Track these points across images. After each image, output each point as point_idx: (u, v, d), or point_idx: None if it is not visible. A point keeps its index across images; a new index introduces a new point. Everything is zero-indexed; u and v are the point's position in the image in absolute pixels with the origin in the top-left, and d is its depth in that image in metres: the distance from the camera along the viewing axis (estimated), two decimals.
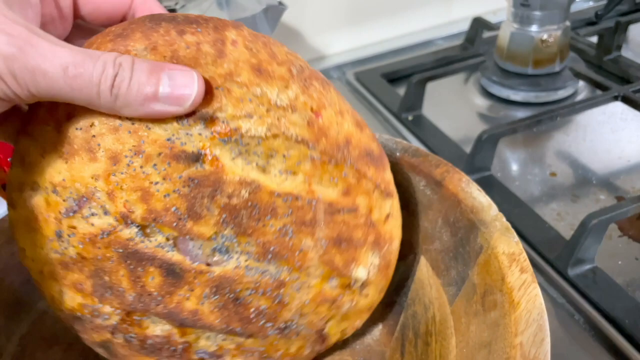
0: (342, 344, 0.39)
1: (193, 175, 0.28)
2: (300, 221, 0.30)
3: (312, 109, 0.30)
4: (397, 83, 0.77)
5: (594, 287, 0.43)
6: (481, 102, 0.71)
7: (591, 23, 0.83)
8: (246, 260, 0.30)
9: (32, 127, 0.28)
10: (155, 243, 0.28)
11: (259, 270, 0.30)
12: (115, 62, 0.24)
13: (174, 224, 0.28)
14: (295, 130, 0.29)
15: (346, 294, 0.33)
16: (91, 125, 0.27)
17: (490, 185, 0.54)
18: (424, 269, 0.38)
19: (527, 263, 0.31)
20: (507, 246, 0.32)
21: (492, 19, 0.86)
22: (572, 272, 0.44)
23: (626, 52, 0.73)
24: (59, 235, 0.28)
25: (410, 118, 0.66)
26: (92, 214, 0.28)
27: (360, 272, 0.33)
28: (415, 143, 0.64)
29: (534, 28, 0.66)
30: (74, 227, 0.28)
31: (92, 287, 0.29)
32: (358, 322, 0.36)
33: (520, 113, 0.67)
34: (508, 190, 0.53)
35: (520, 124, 0.55)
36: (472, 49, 0.79)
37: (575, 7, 0.67)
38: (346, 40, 0.86)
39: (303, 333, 0.33)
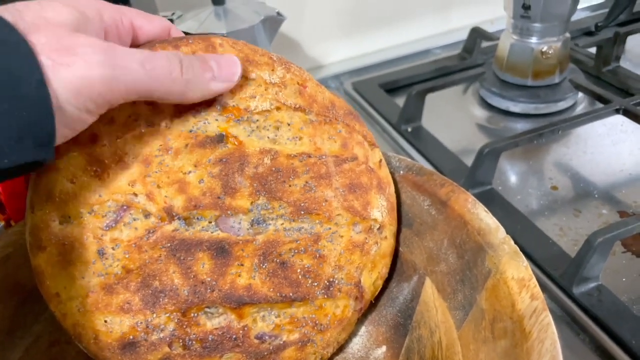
0: None
1: (220, 156, 0.32)
2: (317, 175, 0.35)
3: (298, 83, 0.36)
4: (395, 93, 0.76)
5: (599, 305, 0.42)
6: (480, 113, 0.71)
7: (589, 33, 0.83)
8: (282, 223, 0.33)
9: (56, 161, 0.29)
10: (199, 228, 0.32)
11: (295, 228, 0.34)
12: (174, 55, 0.29)
13: (214, 204, 0.32)
14: (291, 99, 0.35)
15: (370, 237, 0.36)
16: (117, 139, 0.30)
17: (491, 199, 0.54)
18: (429, 290, 0.37)
19: (538, 289, 0.30)
20: (516, 271, 0.32)
21: (490, 28, 0.85)
22: (577, 290, 0.43)
23: (624, 63, 0.73)
24: (102, 254, 0.30)
25: (409, 130, 0.66)
26: (134, 219, 0.31)
27: (376, 214, 0.36)
28: (414, 155, 0.63)
29: (533, 40, 0.65)
30: (118, 239, 0.30)
31: (142, 300, 0.30)
32: (384, 270, 0.37)
33: (520, 125, 0.67)
34: (510, 204, 0.53)
35: (522, 137, 0.54)
36: (470, 59, 0.79)
37: (572, 18, 0.66)
38: (344, 50, 0.85)
39: (344, 288, 0.35)
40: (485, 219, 0.35)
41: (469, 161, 0.60)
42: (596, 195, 0.55)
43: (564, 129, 0.56)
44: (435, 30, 0.90)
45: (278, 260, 0.33)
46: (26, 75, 0.23)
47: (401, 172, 0.40)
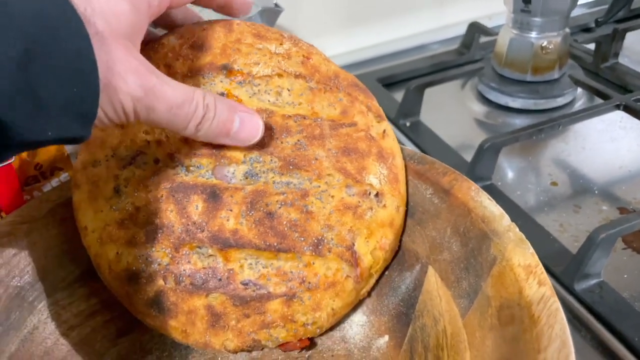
0: (347, 357, 0.37)
1: None
2: (310, 135, 0.37)
3: (303, 56, 0.39)
4: (393, 88, 0.76)
5: (600, 302, 0.42)
6: (479, 109, 0.70)
7: (587, 29, 0.83)
8: (272, 177, 0.36)
9: None
10: (197, 174, 0.36)
11: (284, 182, 0.36)
12: (204, 104, 0.32)
13: (211, 154, 0.36)
14: (293, 68, 0.38)
15: (364, 201, 0.36)
16: None
17: (491, 194, 0.52)
18: (432, 279, 0.37)
19: (545, 276, 0.30)
20: (522, 258, 0.31)
21: (488, 23, 0.85)
22: (578, 287, 0.43)
23: (623, 60, 0.73)
24: (117, 190, 0.36)
25: (407, 124, 0.65)
26: (145, 162, 0.36)
27: (372, 179, 0.37)
28: (413, 150, 0.62)
29: (533, 34, 0.65)
30: (129, 178, 0.36)
31: (145, 235, 0.35)
32: (384, 241, 0.36)
33: (519, 120, 0.67)
34: (510, 200, 0.52)
35: (522, 132, 0.54)
36: (468, 54, 0.79)
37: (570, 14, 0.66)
38: (341, 43, 0.85)
39: (335, 250, 0.35)
40: (489, 206, 0.35)
41: (468, 156, 0.59)
42: (596, 192, 0.55)
43: (564, 125, 0.56)
44: (433, 25, 0.89)
45: (265, 210, 0.35)
46: (85, 55, 0.26)
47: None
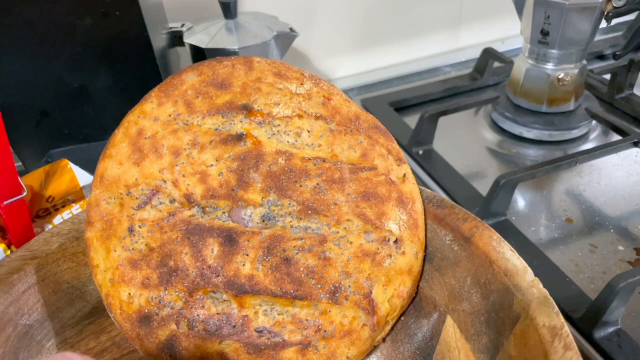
0: None
1: (239, 152, 0.36)
2: (330, 179, 0.36)
3: (324, 96, 0.38)
4: (404, 112, 0.75)
5: (619, 351, 0.41)
6: (492, 137, 0.70)
7: (601, 57, 0.82)
8: (290, 221, 0.35)
9: (111, 150, 0.36)
10: (213, 216, 0.35)
11: (302, 227, 0.35)
12: None
13: (228, 195, 0.35)
14: (314, 109, 0.37)
15: (383, 248, 0.35)
16: (157, 133, 0.36)
17: (506, 231, 0.52)
18: (450, 330, 0.36)
19: (571, 339, 0.29)
20: (547, 318, 0.30)
21: (500, 47, 0.85)
22: (597, 334, 0.42)
23: (638, 91, 0.72)
24: (131, 230, 0.35)
25: (420, 152, 0.65)
26: (160, 203, 0.35)
27: (392, 225, 0.36)
28: (426, 179, 0.62)
29: (550, 66, 0.64)
30: (144, 219, 0.35)
31: (158, 277, 0.34)
32: (402, 289, 0.36)
33: (532, 151, 0.66)
34: (524, 237, 0.52)
35: (540, 169, 0.53)
36: (481, 80, 0.78)
37: None
38: (353, 65, 0.84)
39: (352, 297, 0.34)
40: (511, 259, 0.34)
41: (480, 188, 0.59)
42: (612, 230, 0.54)
43: (581, 161, 0.55)
44: (445, 48, 0.89)
45: (282, 256, 0.34)
46: None
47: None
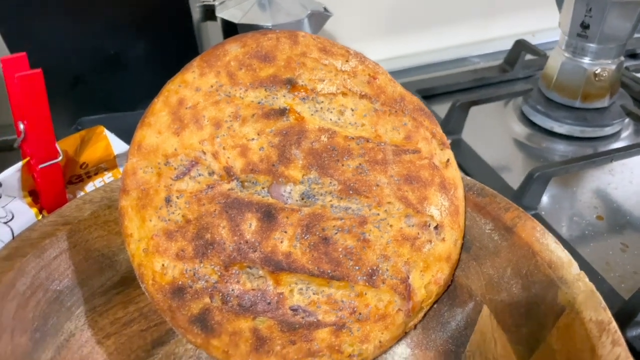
0: None
1: (281, 127, 0.35)
2: (372, 160, 0.35)
3: (370, 75, 0.37)
4: (432, 100, 0.74)
5: None
6: (521, 130, 0.68)
7: (633, 55, 0.81)
8: (330, 200, 0.35)
9: (150, 118, 0.35)
10: (252, 191, 0.34)
11: (342, 207, 0.35)
12: None
13: (268, 170, 0.34)
14: (359, 87, 0.37)
15: (424, 233, 0.35)
16: (198, 104, 0.35)
17: None
18: (487, 320, 0.35)
19: (619, 335, 0.28)
20: (594, 312, 0.29)
21: (532, 40, 0.83)
22: (630, 333, 0.41)
23: None
24: (168, 201, 0.34)
25: (449, 142, 0.63)
26: (199, 174, 0.34)
27: (433, 210, 0.35)
28: None
29: (587, 60, 0.63)
30: (182, 190, 0.34)
31: (194, 250, 0.33)
32: (439, 275, 0.35)
33: (563, 147, 0.65)
34: (557, 234, 0.51)
35: (574, 164, 0.52)
36: (511, 72, 0.77)
37: None
38: (382, 50, 0.83)
39: (389, 282, 0.34)
40: (556, 251, 0.33)
41: (509, 180, 0.58)
42: None
43: (617, 159, 0.54)
44: (476, 38, 0.87)
45: (320, 235, 0.34)
46: None
47: None
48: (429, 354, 0.37)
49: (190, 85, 0.36)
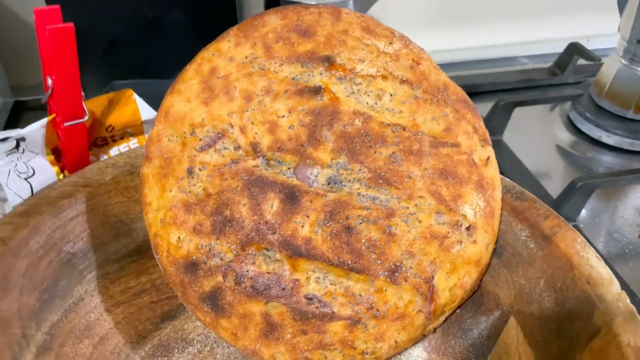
0: None
1: (314, 107, 0.33)
2: (407, 150, 0.33)
3: (413, 60, 0.35)
4: (474, 98, 0.71)
5: None
6: (566, 137, 0.65)
7: None
8: (358, 188, 0.33)
9: (180, 85, 0.33)
10: (278, 170, 0.33)
11: (370, 196, 0.33)
12: None
13: (296, 150, 0.33)
14: (400, 71, 0.35)
15: (454, 233, 0.33)
16: (230, 74, 0.33)
17: None
18: (512, 332, 0.33)
19: None
20: (633, 337, 0.27)
21: (585, 45, 0.79)
22: None
23: None
24: (190, 172, 0.33)
25: None
26: (225, 148, 0.33)
27: (467, 210, 0.33)
28: None
29: None
30: (206, 162, 0.33)
31: (212, 225, 0.32)
32: (467, 279, 0.33)
33: (609, 158, 0.61)
34: (595, 248, 0.48)
35: (621, 177, 0.49)
36: (561, 76, 0.73)
37: None
38: (427, 41, 0.79)
39: (412, 280, 0.32)
40: (597, 266, 0.31)
41: (549, 188, 0.55)
42: None
43: None
44: (527, 38, 0.84)
45: (344, 223, 0.32)
46: None
47: None
48: None
49: (225, 54, 0.34)
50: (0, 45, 0.63)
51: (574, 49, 0.73)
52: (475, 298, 0.36)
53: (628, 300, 0.29)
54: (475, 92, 0.72)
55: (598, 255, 0.31)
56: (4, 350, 0.30)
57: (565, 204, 0.49)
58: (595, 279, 0.30)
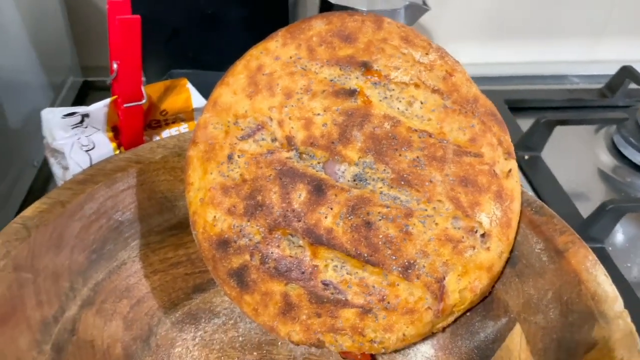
0: None
1: (348, 108, 0.36)
2: (431, 156, 0.35)
3: (446, 71, 0.37)
4: (519, 113, 0.72)
5: None
6: (607, 160, 0.65)
7: None
8: (381, 187, 0.35)
9: (229, 78, 0.37)
10: (308, 164, 0.36)
11: (391, 196, 0.35)
12: None
13: (327, 147, 0.35)
14: (433, 81, 0.37)
15: (469, 238, 0.34)
16: (274, 72, 0.36)
17: (600, 259, 0.49)
18: (516, 338, 0.34)
19: None
20: (627, 353, 0.28)
21: (638, 69, 0.78)
22: None
23: None
24: (230, 158, 0.36)
25: (526, 157, 0.61)
26: (263, 139, 0.36)
27: (483, 218, 0.35)
28: (525, 186, 0.59)
29: None
30: (245, 150, 0.36)
31: (244, 208, 0.35)
32: (477, 283, 0.35)
33: None
34: (618, 271, 0.48)
35: None
36: (611, 99, 0.72)
37: None
38: (476, 53, 0.81)
39: (424, 278, 0.34)
40: (603, 284, 0.32)
41: (582, 209, 0.55)
42: None
43: None
44: (578, 57, 0.83)
45: (364, 218, 0.34)
46: None
47: None
48: (451, 359, 0.37)
49: (272, 53, 0.37)
50: (75, 28, 0.69)
51: (627, 73, 0.72)
52: (486, 303, 0.37)
53: (629, 319, 0.30)
54: (520, 107, 0.72)
55: (606, 274, 0.32)
56: (53, 298, 0.34)
57: (595, 225, 0.50)
58: (600, 296, 0.31)
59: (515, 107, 0.72)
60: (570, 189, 0.59)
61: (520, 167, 0.61)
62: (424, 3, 0.62)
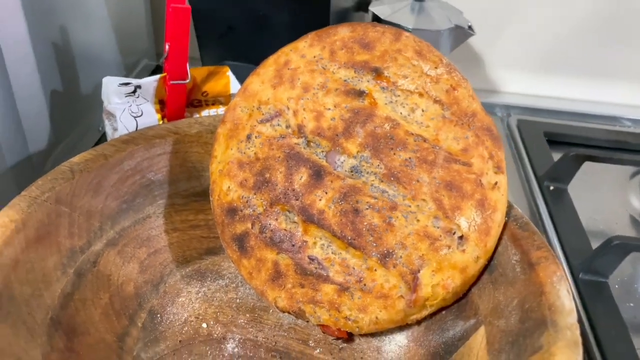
0: None
1: (355, 106, 0.40)
2: (422, 158, 0.39)
3: (451, 85, 0.40)
4: (557, 146, 0.72)
5: None
6: (637, 205, 0.64)
7: None
8: (373, 180, 0.39)
9: (260, 69, 0.43)
10: (313, 151, 0.40)
11: (380, 189, 0.38)
12: None
13: (331, 138, 0.40)
14: (436, 92, 0.40)
15: (446, 237, 0.37)
16: (298, 68, 0.42)
17: (600, 293, 0.50)
18: (479, 338, 0.37)
19: None
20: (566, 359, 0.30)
21: None
22: None
23: None
24: (249, 137, 0.41)
25: (551, 188, 0.62)
26: (278, 124, 0.41)
27: (462, 222, 0.37)
28: (544, 215, 0.60)
29: None
30: (261, 132, 0.41)
31: (254, 182, 0.40)
32: (449, 281, 0.37)
33: None
34: (616, 309, 0.48)
35: None
36: None
37: None
38: (524, 82, 0.82)
39: (400, 268, 0.37)
40: (563, 297, 0.34)
41: (595, 245, 0.55)
42: None
43: None
44: (632, 101, 0.82)
45: (353, 205, 0.38)
46: None
47: (506, 218, 0.40)
48: (420, 351, 0.40)
49: (299, 51, 0.42)
50: (156, 15, 0.77)
51: None
52: (460, 304, 0.40)
53: (578, 332, 0.32)
54: (559, 141, 0.73)
55: (569, 290, 0.34)
56: (83, 233, 0.40)
57: (599, 259, 0.50)
58: (557, 307, 0.33)
59: (553, 140, 0.72)
60: (591, 227, 0.59)
61: (543, 196, 0.62)
62: (470, 28, 0.64)
